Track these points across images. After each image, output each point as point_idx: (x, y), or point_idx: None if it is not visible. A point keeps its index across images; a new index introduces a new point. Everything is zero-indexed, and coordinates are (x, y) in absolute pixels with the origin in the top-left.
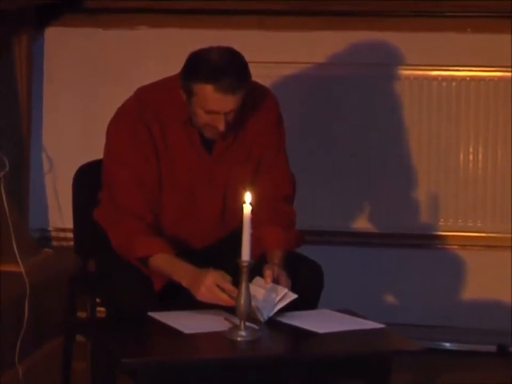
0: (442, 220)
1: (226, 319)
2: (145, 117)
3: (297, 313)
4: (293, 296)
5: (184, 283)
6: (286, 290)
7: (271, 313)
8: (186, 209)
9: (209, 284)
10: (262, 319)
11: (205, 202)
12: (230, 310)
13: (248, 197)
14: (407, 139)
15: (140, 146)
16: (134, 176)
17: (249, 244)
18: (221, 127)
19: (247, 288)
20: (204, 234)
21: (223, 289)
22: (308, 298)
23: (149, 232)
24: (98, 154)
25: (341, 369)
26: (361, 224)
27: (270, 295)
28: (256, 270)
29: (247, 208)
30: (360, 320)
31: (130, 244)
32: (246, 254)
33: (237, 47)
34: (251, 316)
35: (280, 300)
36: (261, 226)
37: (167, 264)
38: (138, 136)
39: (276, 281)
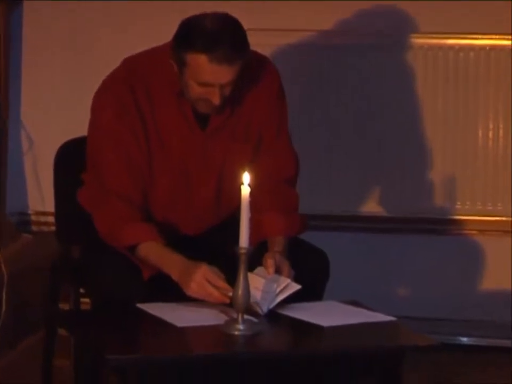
0: (459, 203)
1: (222, 311)
2: (134, 89)
3: (300, 305)
4: (296, 287)
5: (174, 277)
6: (288, 280)
7: (272, 306)
8: (178, 192)
9: (200, 280)
10: (261, 312)
11: (199, 184)
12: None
13: (246, 177)
14: (421, 115)
15: (128, 122)
16: (122, 155)
17: (248, 229)
18: (216, 100)
19: (246, 278)
20: (197, 219)
21: (215, 286)
22: (312, 289)
23: (138, 218)
24: (83, 130)
25: (348, 366)
26: (370, 207)
27: (270, 285)
28: (255, 259)
29: (245, 190)
30: (368, 312)
31: (117, 231)
32: (244, 240)
33: (234, 14)
34: (250, 308)
35: (281, 291)
36: (261, 211)
37: (156, 254)
38: (126, 110)
39: (277, 270)
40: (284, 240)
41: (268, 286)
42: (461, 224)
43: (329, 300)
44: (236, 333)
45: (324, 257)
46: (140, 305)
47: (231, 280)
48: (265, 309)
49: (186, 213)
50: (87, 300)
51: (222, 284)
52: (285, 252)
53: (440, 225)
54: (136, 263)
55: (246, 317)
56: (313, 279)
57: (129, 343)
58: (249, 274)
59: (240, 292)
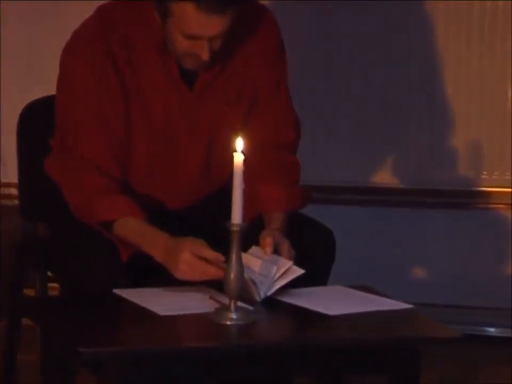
0: (485, 173)
1: (212, 297)
2: (110, 42)
3: (301, 290)
4: (299, 271)
5: (158, 258)
6: (290, 263)
7: (270, 292)
8: (161, 161)
9: (188, 258)
10: (257, 298)
11: (185, 152)
12: (218, 286)
13: (240, 143)
14: (442, 74)
15: (104, 80)
16: (96, 118)
17: (241, 202)
18: (205, 55)
19: (239, 259)
20: (183, 192)
21: (205, 260)
22: (315, 272)
23: (114, 190)
24: (50, 89)
25: (357, 361)
26: (383, 178)
27: (269, 268)
28: (250, 236)
29: (238, 157)
30: (380, 299)
31: (91, 205)
32: (237, 215)
33: None
34: (244, 293)
35: (282, 276)
36: (256, 182)
37: (135, 232)
38: (100, 65)
39: (275, 250)
40: (283, 215)
41: (265, 269)
42: (488, 197)
43: (335, 285)
44: (228, 322)
45: (329, 235)
46: (117, 291)
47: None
48: (262, 295)
49: (170, 185)
50: (55, 285)
51: (213, 253)
52: (284, 229)
53: (464, 198)
54: (113, 242)
55: (239, 304)
56: (317, 260)
57: (105, 334)
58: (244, 255)
59: (232, 275)
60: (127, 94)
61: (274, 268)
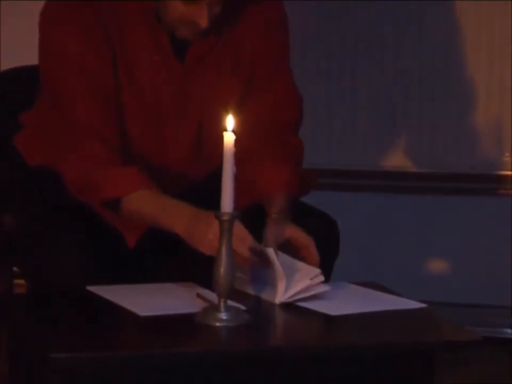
0: (507, 155)
1: (199, 295)
2: (100, 8)
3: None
4: (323, 288)
5: (180, 230)
6: (318, 271)
7: (288, 297)
8: (148, 139)
9: (212, 239)
10: (276, 300)
11: (175, 130)
12: (206, 283)
13: (230, 121)
14: (460, 44)
15: (93, 44)
16: (91, 84)
17: (231, 188)
18: (203, 21)
19: (229, 252)
20: (172, 176)
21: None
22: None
23: (118, 161)
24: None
25: (361, 368)
26: (394, 161)
27: (292, 271)
28: (253, 225)
29: (228, 137)
30: (390, 297)
31: (95, 180)
32: (227, 203)
33: None
34: (237, 289)
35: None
36: (254, 164)
37: (152, 205)
38: (88, 29)
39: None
40: (285, 199)
41: (289, 270)
42: (510, 182)
43: (339, 281)
44: (217, 324)
45: (333, 226)
46: (91, 288)
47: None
48: (283, 298)
49: (157, 169)
50: (22, 282)
51: (250, 238)
52: (286, 215)
53: (485, 183)
54: (110, 228)
55: (229, 303)
56: (320, 255)
57: (79, 338)
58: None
59: (222, 270)
60: (115, 63)
61: (299, 275)
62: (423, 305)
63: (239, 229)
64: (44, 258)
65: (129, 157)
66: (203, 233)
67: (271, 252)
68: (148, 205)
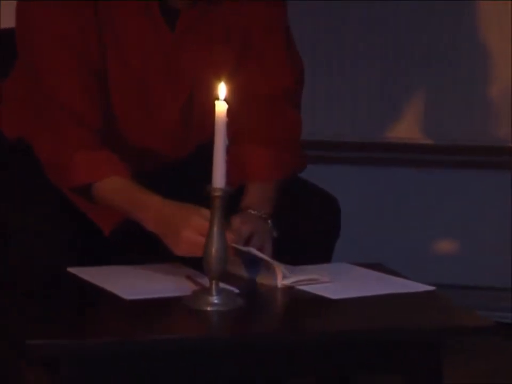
0: None
1: (189, 277)
2: None
3: (299, 269)
4: (322, 278)
5: (152, 226)
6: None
7: (291, 279)
8: (135, 112)
9: (192, 236)
10: (277, 283)
11: (164, 102)
12: (197, 264)
13: (222, 89)
14: (472, 14)
15: (77, 13)
16: (72, 49)
17: (223, 162)
18: None
19: (220, 230)
20: (160, 149)
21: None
22: (316, 248)
23: (95, 144)
24: None
25: (365, 356)
26: (403, 132)
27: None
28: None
29: (221, 106)
30: (395, 279)
31: (66, 163)
32: (218, 177)
33: None
34: (230, 271)
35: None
36: (237, 145)
37: (121, 194)
38: None
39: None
40: (259, 188)
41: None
42: None
43: (342, 262)
44: (208, 308)
45: (333, 204)
46: (72, 270)
47: None
48: (285, 280)
49: (145, 141)
50: None
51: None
52: (258, 205)
53: (499, 156)
54: (85, 212)
55: (221, 285)
56: (318, 234)
57: (58, 324)
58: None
59: (213, 250)
60: (100, 31)
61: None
62: (431, 288)
63: (205, 211)
64: (19, 240)
65: (112, 131)
66: (178, 229)
67: (253, 249)
68: (119, 195)
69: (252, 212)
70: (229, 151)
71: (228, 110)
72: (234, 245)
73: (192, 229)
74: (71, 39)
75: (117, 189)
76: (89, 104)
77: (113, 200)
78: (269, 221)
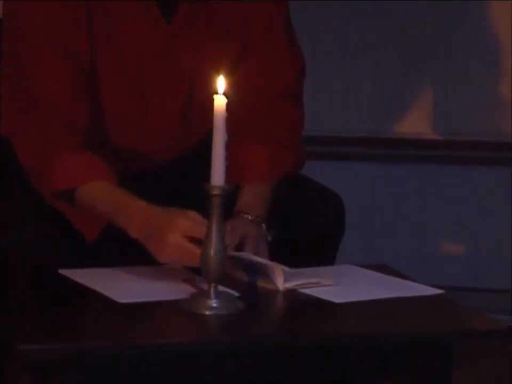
0: None
1: (186, 280)
2: None
3: (301, 271)
4: (325, 281)
5: (135, 234)
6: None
7: (293, 283)
8: (131, 110)
9: (178, 240)
10: (279, 286)
11: (161, 98)
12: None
13: (221, 83)
14: (485, 5)
15: (68, 4)
16: (58, 42)
17: (222, 159)
18: None
19: (220, 231)
20: (156, 149)
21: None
22: (320, 249)
23: (79, 146)
24: None
25: (369, 362)
26: (409, 126)
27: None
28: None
29: (220, 101)
30: (402, 282)
31: (47, 166)
32: (217, 175)
33: None
34: (229, 273)
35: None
36: (242, 140)
37: (104, 199)
38: None
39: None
40: (260, 189)
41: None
42: None
43: (345, 264)
44: (206, 312)
45: (337, 202)
46: (63, 272)
47: None
48: (287, 283)
49: (141, 141)
50: None
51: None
52: (257, 209)
53: (506, 152)
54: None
55: (220, 288)
56: (321, 234)
57: (49, 328)
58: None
59: (212, 251)
60: (93, 24)
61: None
62: (440, 291)
63: (194, 215)
64: (9, 238)
65: (103, 133)
66: (160, 243)
67: (249, 254)
68: (102, 200)
69: (245, 216)
70: (228, 148)
71: (228, 105)
72: (228, 253)
73: (179, 232)
74: (61, 37)
75: (100, 194)
76: (76, 105)
77: (96, 205)
78: (263, 224)
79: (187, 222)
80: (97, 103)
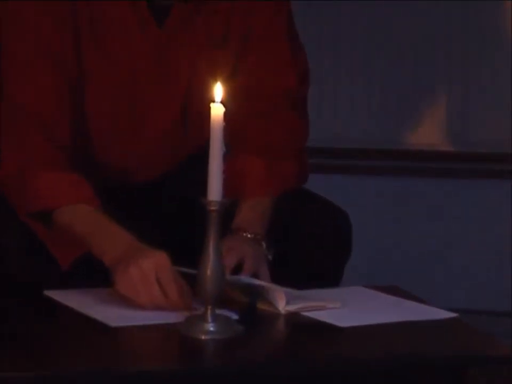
0: None
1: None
2: None
3: (305, 293)
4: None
5: (107, 261)
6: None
7: (295, 306)
8: (122, 119)
9: (148, 268)
10: (281, 309)
11: (153, 108)
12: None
13: (219, 90)
14: (503, 14)
15: (51, 6)
16: (44, 53)
17: (219, 171)
18: None
19: (217, 248)
20: (150, 160)
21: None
22: (324, 269)
23: (60, 163)
24: None
25: None
26: (421, 137)
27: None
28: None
29: (217, 110)
30: (413, 305)
31: (25, 183)
32: (214, 189)
33: None
34: (228, 296)
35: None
36: (239, 150)
37: (84, 222)
38: None
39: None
40: (259, 205)
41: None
42: None
43: (352, 286)
44: (203, 336)
45: (344, 220)
46: (49, 293)
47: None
48: (289, 306)
49: (133, 151)
50: None
51: (174, 293)
52: (257, 227)
53: None
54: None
55: (218, 311)
56: (327, 253)
57: (35, 354)
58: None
59: (208, 270)
60: (79, 30)
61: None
62: (454, 314)
63: (163, 259)
64: None
65: (86, 142)
66: (128, 264)
67: (248, 278)
68: (84, 222)
69: (243, 234)
70: (225, 160)
71: (225, 114)
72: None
73: (153, 262)
74: (46, 43)
75: (79, 215)
76: (60, 117)
77: (75, 227)
78: (263, 243)
79: (163, 260)
80: (83, 112)
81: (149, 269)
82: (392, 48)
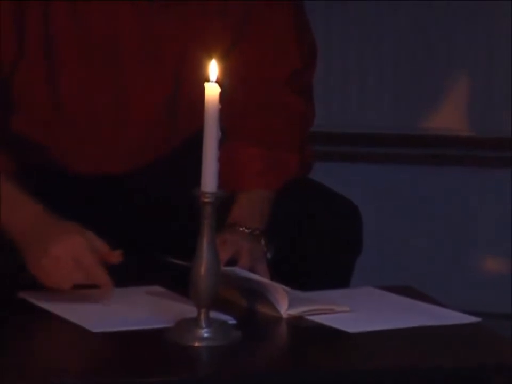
0: None
1: (172, 304)
2: None
3: (311, 295)
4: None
5: (17, 233)
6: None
7: (299, 309)
8: (102, 103)
9: (62, 255)
10: (282, 312)
11: (140, 89)
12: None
13: (214, 68)
14: None
15: None
16: None
17: (214, 159)
18: None
19: (212, 245)
20: (135, 146)
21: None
22: (332, 268)
23: None
24: None
25: None
26: (432, 122)
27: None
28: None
29: (212, 90)
30: (431, 308)
31: None
32: (209, 179)
33: None
34: (223, 297)
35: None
36: (236, 138)
37: None
38: None
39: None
40: (258, 197)
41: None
42: None
43: (362, 286)
44: (196, 343)
45: (353, 213)
46: (24, 294)
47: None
48: (292, 309)
49: (113, 137)
50: None
51: (103, 277)
52: (255, 221)
53: None
54: None
55: (213, 314)
56: (335, 250)
57: (10, 363)
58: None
59: (202, 268)
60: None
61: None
62: (476, 319)
63: (77, 242)
64: None
65: (55, 131)
66: (47, 242)
67: (244, 271)
68: None
69: (241, 229)
70: (221, 147)
71: (221, 95)
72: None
73: (65, 248)
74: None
75: None
76: None
77: None
78: (262, 239)
79: (81, 242)
80: (56, 92)
81: (64, 257)
82: (405, 27)
